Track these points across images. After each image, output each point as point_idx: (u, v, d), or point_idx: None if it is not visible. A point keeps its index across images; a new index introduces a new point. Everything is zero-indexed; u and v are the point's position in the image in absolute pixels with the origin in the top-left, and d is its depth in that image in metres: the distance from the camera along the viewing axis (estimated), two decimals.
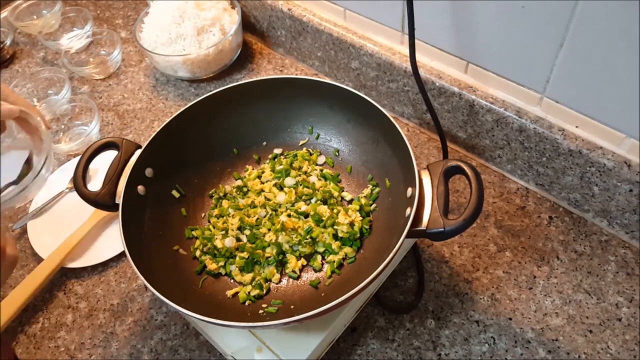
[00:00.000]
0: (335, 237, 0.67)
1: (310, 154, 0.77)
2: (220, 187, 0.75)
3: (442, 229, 0.55)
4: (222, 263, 0.67)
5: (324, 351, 0.64)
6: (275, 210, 0.71)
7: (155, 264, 0.62)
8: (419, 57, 0.77)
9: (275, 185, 0.73)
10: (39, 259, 0.76)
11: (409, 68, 0.79)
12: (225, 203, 0.73)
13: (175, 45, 0.95)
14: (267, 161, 0.78)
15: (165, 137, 0.69)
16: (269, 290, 0.65)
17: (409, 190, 0.61)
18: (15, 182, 0.58)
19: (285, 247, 0.67)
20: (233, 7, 1.01)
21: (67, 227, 0.78)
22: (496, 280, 0.70)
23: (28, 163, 0.60)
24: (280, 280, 0.66)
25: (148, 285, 0.55)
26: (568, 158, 0.70)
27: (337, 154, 0.77)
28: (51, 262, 0.74)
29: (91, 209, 0.77)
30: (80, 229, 0.78)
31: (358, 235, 0.67)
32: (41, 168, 0.60)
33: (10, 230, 0.81)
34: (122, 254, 0.77)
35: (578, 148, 0.68)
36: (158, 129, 0.68)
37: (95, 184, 0.83)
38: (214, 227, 0.70)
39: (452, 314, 0.68)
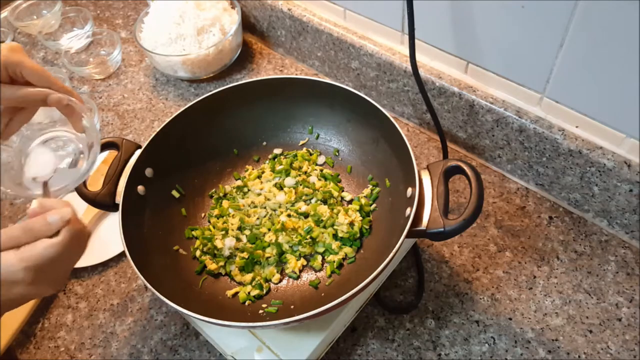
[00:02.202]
0: (335, 237, 0.67)
1: (310, 154, 0.77)
2: (220, 187, 0.75)
3: (442, 229, 0.55)
4: (222, 263, 0.67)
5: (324, 351, 0.64)
6: (275, 210, 0.71)
7: (155, 264, 0.62)
8: (419, 57, 0.77)
9: (275, 185, 0.73)
10: None
11: (409, 68, 0.78)
12: (225, 203, 0.73)
13: (175, 45, 0.94)
14: (267, 161, 0.78)
15: (165, 137, 0.69)
16: (269, 290, 0.65)
17: (409, 190, 0.61)
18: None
19: (285, 247, 0.67)
20: (233, 7, 1.01)
21: None
22: (496, 280, 0.70)
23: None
24: (280, 280, 0.66)
25: (148, 285, 0.55)
26: (568, 158, 0.70)
27: (337, 154, 0.77)
28: None
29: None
30: None
31: (358, 235, 0.67)
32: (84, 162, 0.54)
33: None
34: (122, 254, 0.77)
35: (578, 148, 0.68)
36: (158, 129, 0.68)
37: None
38: (214, 227, 0.70)
39: (452, 314, 0.68)
